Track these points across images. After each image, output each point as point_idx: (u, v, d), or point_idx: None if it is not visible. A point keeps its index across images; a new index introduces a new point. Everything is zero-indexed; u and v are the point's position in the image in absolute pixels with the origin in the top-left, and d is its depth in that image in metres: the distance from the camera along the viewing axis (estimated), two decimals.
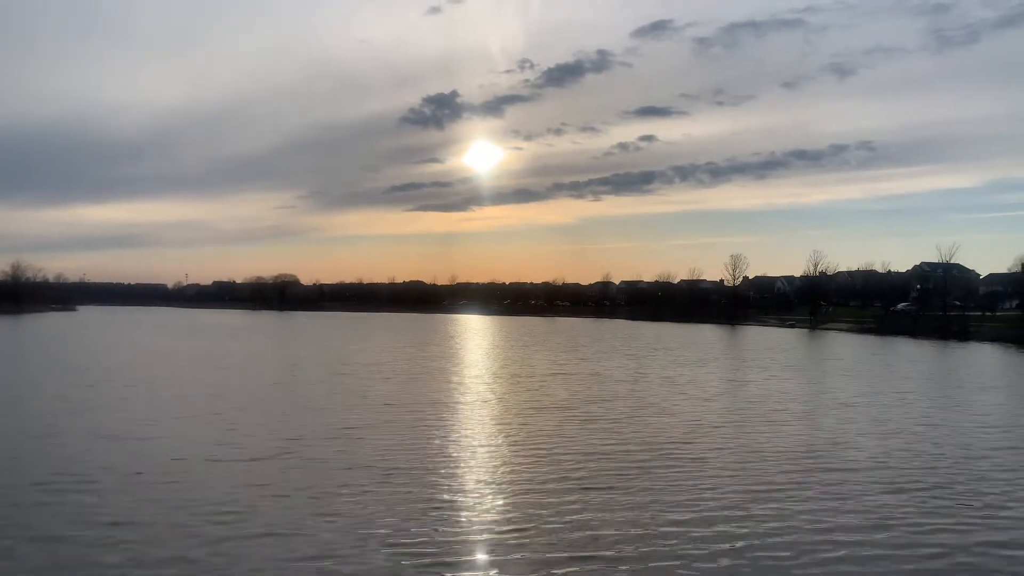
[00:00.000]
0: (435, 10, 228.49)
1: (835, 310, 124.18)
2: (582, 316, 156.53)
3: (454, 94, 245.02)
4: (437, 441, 19.95)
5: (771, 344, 69.83)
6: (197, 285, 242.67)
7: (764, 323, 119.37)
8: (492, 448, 19.08)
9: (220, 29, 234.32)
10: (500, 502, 14.00)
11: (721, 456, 18.20)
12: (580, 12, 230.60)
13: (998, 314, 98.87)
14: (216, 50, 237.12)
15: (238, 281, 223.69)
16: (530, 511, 13.32)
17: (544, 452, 18.46)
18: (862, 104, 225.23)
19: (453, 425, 22.56)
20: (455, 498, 14.32)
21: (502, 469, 16.71)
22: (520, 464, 17.16)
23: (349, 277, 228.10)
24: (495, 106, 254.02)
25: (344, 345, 61.10)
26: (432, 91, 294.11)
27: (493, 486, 15.18)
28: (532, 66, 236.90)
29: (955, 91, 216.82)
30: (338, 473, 15.99)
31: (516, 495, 14.47)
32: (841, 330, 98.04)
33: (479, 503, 14.00)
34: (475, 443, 19.81)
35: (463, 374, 38.67)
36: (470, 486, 15.27)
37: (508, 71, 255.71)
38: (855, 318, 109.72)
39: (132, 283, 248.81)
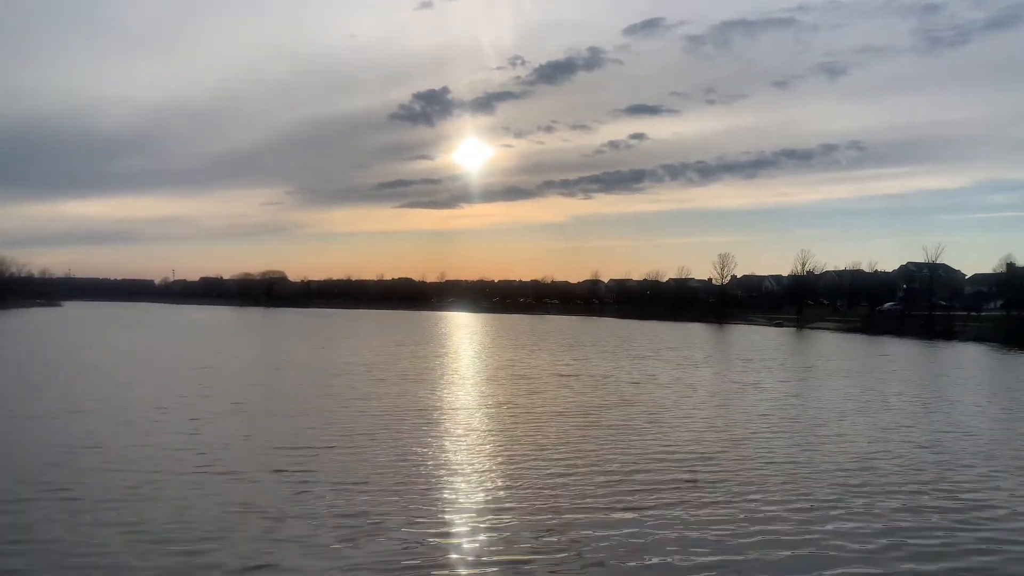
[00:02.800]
0: (426, 5, 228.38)
1: (822, 309, 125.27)
2: (571, 314, 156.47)
3: (445, 90, 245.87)
4: (446, 452, 18.24)
5: (765, 343, 70.05)
6: (184, 281, 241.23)
7: (752, 322, 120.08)
8: (514, 461, 17.37)
9: (208, 23, 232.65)
10: (539, 524, 12.55)
11: (767, 471, 16.96)
12: (572, 9, 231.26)
13: (982, 314, 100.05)
14: (204, 44, 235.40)
15: (225, 277, 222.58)
16: (575, 533, 12.12)
17: (574, 465, 16.89)
18: (852, 104, 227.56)
19: (463, 433, 20.93)
20: (474, 522, 12.72)
21: (530, 485, 15.09)
22: (551, 479, 15.63)
23: (337, 274, 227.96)
24: (486, 103, 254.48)
25: (333, 343, 60.17)
26: (422, 87, 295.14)
27: (523, 508, 13.49)
28: (523, 63, 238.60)
29: (945, 92, 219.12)
30: (331, 491, 14.37)
31: (553, 513, 13.12)
32: (828, 329, 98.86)
33: (508, 530, 12.27)
34: (493, 455, 18.09)
35: (463, 376, 37.49)
36: (492, 508, 13.50)
37: (499, 68, 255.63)
38: (841, 317, 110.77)
39: (118, 279, 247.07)
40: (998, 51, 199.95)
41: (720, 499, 14.44)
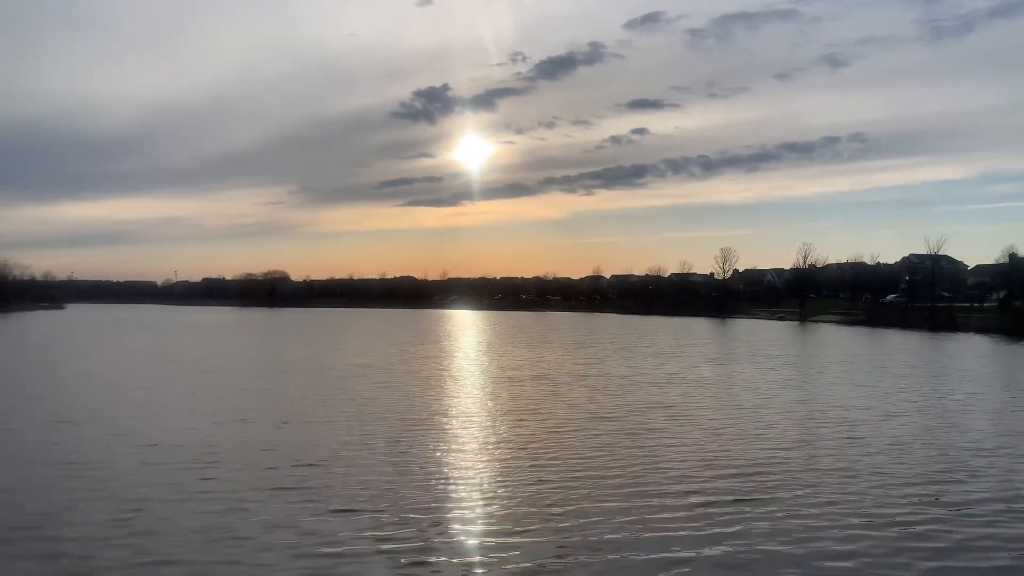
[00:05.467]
0: (426, 2, 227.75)
1: (824, 302, 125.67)
2: (573, 311, 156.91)
3: (445, 87, 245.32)
4: (477, 470, 16.71)
5: (775, 338, 70.06)
6: (186, 282, 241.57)
7: (754, 316, 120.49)
8: (548, 476, 16.13)
9: (207, 22, 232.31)
10: (577, 544, 11.88)
11: (821, 481, 15.99)
12: (572, 4, 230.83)
13: (985, 305, 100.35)
14: (203, 43, 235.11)
15: (228, 278, 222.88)
16: (620, 555, 11.41)
17: (614, 481, 15.73)
18: (855, 96, 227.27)
19: (489, 444, 19.69)
20: (506, 547, 11.67)
21: (565, 500, 14.17)
22: (591, 492, 14.79)
23: (339, 273, 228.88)
24: (486, 100, 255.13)
25: (337, 344, 59.62)
26: (423, 85, 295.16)
27: (558, 529, 12.60)
28: (524, 59, 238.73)
29: (948, 82, 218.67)
30: (342, 520, 12.85)
31: (595, 535, 12.28)
32: (831, 322, 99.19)
33: (541, 554, 11.33)
34: (525, 469, 16.67)
35: (479, 378, 36.23)
36: (526, 529, 12.51)
37: (500, 64, 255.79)
38: (844, 310, 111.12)
39: (121, 281, 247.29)
40: (1001, 40, 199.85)
41: (778, 514, 13.58)
